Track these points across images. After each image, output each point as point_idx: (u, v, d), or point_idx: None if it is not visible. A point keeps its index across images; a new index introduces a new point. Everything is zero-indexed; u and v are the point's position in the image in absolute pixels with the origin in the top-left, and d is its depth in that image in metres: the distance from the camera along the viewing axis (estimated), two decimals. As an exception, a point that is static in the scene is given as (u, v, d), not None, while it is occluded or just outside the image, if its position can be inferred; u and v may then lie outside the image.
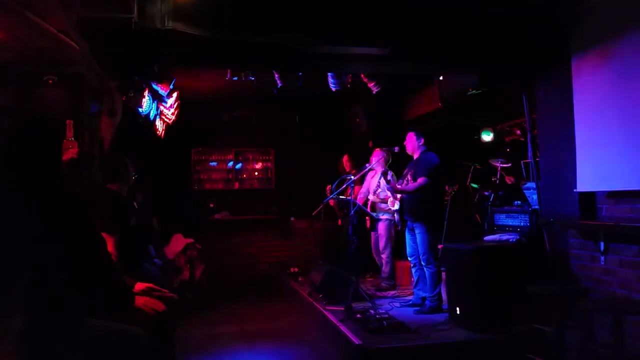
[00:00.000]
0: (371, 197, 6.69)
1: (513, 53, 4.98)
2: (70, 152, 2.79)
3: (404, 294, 6.13)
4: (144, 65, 5.01)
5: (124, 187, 3.88)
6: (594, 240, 4.33)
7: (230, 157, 9.43)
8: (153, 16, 4.00)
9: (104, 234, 3.25)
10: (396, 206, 5.53)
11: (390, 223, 6.53)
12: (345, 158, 7.65)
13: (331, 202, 7.05)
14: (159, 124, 6.95)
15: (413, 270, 5.59)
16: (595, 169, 4.34)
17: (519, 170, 6.41)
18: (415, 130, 5.55)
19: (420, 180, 5.22)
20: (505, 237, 5.00)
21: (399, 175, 5.85)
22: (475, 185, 6.62)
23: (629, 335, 3.33)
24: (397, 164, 6.21)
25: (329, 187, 6.97)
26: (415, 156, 5.50)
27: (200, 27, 4.23)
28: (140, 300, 2.78)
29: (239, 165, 9.49)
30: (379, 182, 6.54)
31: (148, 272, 4.13)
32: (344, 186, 6.28)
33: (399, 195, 5.64)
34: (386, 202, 6.36)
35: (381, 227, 6.62)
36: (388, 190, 5.68)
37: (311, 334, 5.40)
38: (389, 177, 5.68)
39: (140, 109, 5.56)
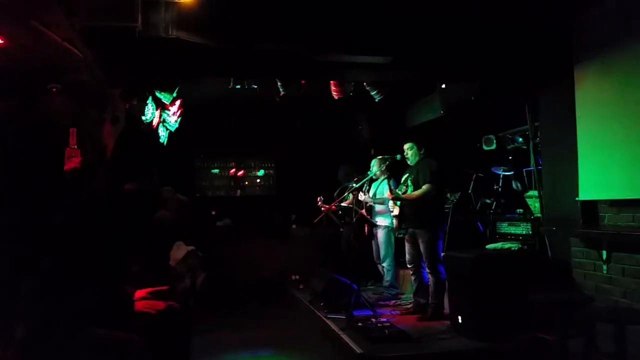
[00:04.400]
0: (363, 197, 6.64)
1: (515, 62, 5.00)
2: (74, 160, 2.81)
3: (406, 302, 6.11)
4: (147, 73, 5.03)
5: (146, 186, 3.94)
6: (596, 248, 4.33)
7: (232, 164, 9.45)
8: (157, 25, 4.04)
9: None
10: (395, 211, 5.52)
11: (390, 230, 6.51)
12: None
13: (325, 210, 7.05)
14: (162, 131, 6.97)
15: (412, 277, 5.59)
16: (598, 178, 4.34)
17: (521, 179, 6.40)
18: (416, 140, 5.55)
19: (425, 187, 5.22)
20: (507, 245, 4.99)
21: (399, 183, 5.84)
22: (488, 201, 6.58)
23: (632, 344, 3.31)
24: (399, 172, 6.21)
25: (319, 198, 6.99)
26: (414, 164, 5.50)
27: (204, 36, 4.27)
28: (139, 305, 2.79)
29: (240, 173, 9.51)
30: (378, 186, 6.55)
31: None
32: (346, 194, 6.28)
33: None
34: (384, 204, 6.33)
35: (380, 235, 6.60)
36: (391, 199, 5.66)
37: (312, 342, 5.37)
38: (392, 186, 5.68)
39: (143, 117, 5.58)
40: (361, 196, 6.64)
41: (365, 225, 6.80)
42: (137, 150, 5.86)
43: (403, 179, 5.59)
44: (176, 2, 4.07)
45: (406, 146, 5.53)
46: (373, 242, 6.83)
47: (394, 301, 6.30)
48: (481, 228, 6.45)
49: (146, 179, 4.00)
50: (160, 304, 2.85)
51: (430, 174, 5.25)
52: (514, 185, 6.47)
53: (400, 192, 5.48)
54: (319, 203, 7.00)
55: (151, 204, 3.78)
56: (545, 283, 4.54)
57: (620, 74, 4.13)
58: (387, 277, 6.60)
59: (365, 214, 6.54)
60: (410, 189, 5.38)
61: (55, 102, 4.41)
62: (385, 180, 6.47)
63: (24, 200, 2.15)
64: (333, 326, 5.06)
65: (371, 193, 6.65)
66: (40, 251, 2.10)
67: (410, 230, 5.45)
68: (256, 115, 8.87)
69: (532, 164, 5.44)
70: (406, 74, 5.33)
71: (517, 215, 5.66)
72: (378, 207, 6.61)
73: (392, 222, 6.41)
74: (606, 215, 4.34)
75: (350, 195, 6.77)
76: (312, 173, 8.78)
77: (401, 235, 6.22)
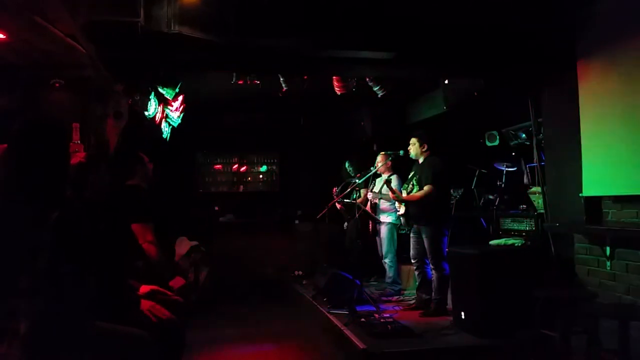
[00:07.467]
0: (371, 195, 6.64)
1: (519, 57, 4.98)
2: (78, 156, 2.81)
3: (409, 298, 6.11)
4: (150, 68, 5.03)
5: (144, 182, 3.92)
6: (599, 245, 4.32)
7: (235, 160, 9.46)
8: (159, 20, 4.03)
9: (140, 225, 3.31)
10: (402, 210, 5.52)
11: (393, 226, 6.51)
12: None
13: (339, 206, 7.04)
14: (165, 127, 6.97)
15: (416, 273, 5.59)
16: (601, 174, 4.33)
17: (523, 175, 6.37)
18: (419, 136, 5.53)
19: (426, 187, 5.22)
20: (510, 241, 4.98)
21: (404, 179, 5.84)
22: (491, 197, 6.53)
23: (635, 340, 3.31)
24: (403, 167, 6.20)
25: (334, 189, 6.93)
26: (420, 160, 5.50)
27: (206, 31, 4.26)
28: (145, 305, 2.79)
29: (243, 169, 9.51)
30: (383, 182, 6.53)
31: None
32: (349, 189, 6.28)
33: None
34: (390, 200, 6.32)
35: (383, 231, 6.59)
36: (394, 199, 5.67)
37: (315, 337, 5.39)
38: (393, 185, 5.66)
39: (146, 112, 5.58)
40: (369, 195, 6.64)
41: (370, 221, 6.80)
42: (140, 146, 5.86)
43: (410, 176, 5.58)
44: (178, -3, 4.07)
45: (410, 141, 5.53)
46: (377, 238, 6.83)
47: (396, 297, 6.30)
48: (484, 224, 6.44)
49: (142, 171, 3.96)
50: (166, 313, 2.84)
51: (432, 175, 5.24)
52: (525, 180, 6.39)
53: (405, 191, 5.49)
54: (334, 195, 6.89)
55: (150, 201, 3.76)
56: (549, 279, 4.54)
57: (625, 69, 4.10)
58: (390, 273, 6.60)
59: (369, 210, 6.54)
60: (415, 188, 5.38)
61: (58, 97, 4.42)
62: (390, 178, 6.46)
63: (28, 195, 2.15)
64: (336, 321, 5.07)
65: (376, 189, 6.65)
66: (42, 246, 2.11)
67: (415, 226, 5.45)
68: (259, 111, 8.87)
69: (535, 160, 5.42)
70: (409, 70, 5.31)
71: (520, 212, 5.65)
72: (383, 204, 6.60)
73: (395, 219, 6.41)
74: (610, 211, 4.33)
75: (362, 193, 6.79)
76: (314, 169, 8.78)
77: (403, 232, 6.23)
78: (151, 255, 3.36)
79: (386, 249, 6.56)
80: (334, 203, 6.69)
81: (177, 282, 3.31)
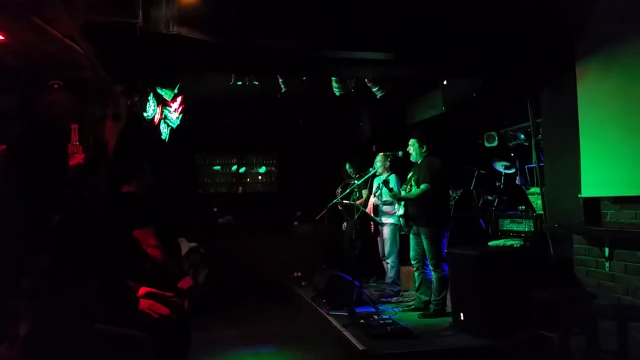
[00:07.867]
0: (372, 200, 6.68)
1: (518, 58, 4.98)
2: (77, 157, 2.80)
3: (408, 299, 6.11)
4: (148, 69, 5.03)
5: (141, 188, 3.85)
6: (598, 246, 4.32)
7: (234, 161, 9.44)
8: (158, 21, 4.03)
9: (141, 231, 3.29)
10: (400, 211, 5.53)
11: (395, 227, 6.51)
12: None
13: (340, 207, 7.03)
14: (163, 128, 6.95)
15: (416, 274, 5.59)
16: (600, 174, 4.33)
17: (523, 175, 6.37)
18: (418, 137, 5.54)
19: (423, 186, 5.23)
20: (509, 242, 4.98)
21: (404, 180, 5.85)
22: (490, 198, 6.53)
23: (634, 341, 3.31)
24: (402, 168, 6.20)
25: (338, 192, 6.93)
26: (419, 161, 5.50)
27: (205, 32, 4.26)
28: (145, 304, 2.78)
29: (242, 170, 9.51)
30: (380, 185, 6.54)
31: None
32: (348, 190, 6.28)
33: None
34: (390, 205, 6.34)
35: (385, 232, 6.60)
36: (391, 197, 5.68)
37: (314, 339, 5.38)
38: (391, 185, 5.67)
39: (144, 113, 5.57)
40: (371, 198, 6.65)
41: (371, 222, 6.80)
42: (139, 147, 5.85)
43: (408, 177, 5.60)
44: (177, -2, 4.07)
45: (409, 142, 5.53)
46: (378, 238, 6.83)
47: (396, 298, 6.30)
48: (483, 225, 6.44)
49: (141, 179, 3.87)
50: (165, 310, 2.84)
51: (429, 175, 5.25)
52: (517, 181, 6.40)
53: (404, 192, 5.49)
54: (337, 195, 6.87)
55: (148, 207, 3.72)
56: (547, 280, 4.53)
57: (623, 69, 4.11)
58: (391, 274, 6.60)
59: (370, 211, 6.54)
60: (414, 188, 5.39)
61: (57, 98, 4.41)
62: (388, 179, 6.46)
63: (27, 196, 2.15)
64: (335, 323, 5.06)
65: (374, 188, 6.66)
66: (41, 247, 2.10)
67: (415, 227, 5.46)
68: (258, 112, 8.86)
69: (534, 160, 5.43)
70: (408, 71, 5.31)
71: (519, 212, 5.65)
72: (384, 206, 6.61)
73: (397, 220, 6.40)
74: (609, 212, 4.33)
75: (364, 194, 6.78)
76: (313, 170, 8.77)
77: (403, 233, 6.22)
78: (157, 259, 3.35)
79: (389, 249, 6.57)
80: (334, 204, 6.68)
81: (186, 282, 3.30)
